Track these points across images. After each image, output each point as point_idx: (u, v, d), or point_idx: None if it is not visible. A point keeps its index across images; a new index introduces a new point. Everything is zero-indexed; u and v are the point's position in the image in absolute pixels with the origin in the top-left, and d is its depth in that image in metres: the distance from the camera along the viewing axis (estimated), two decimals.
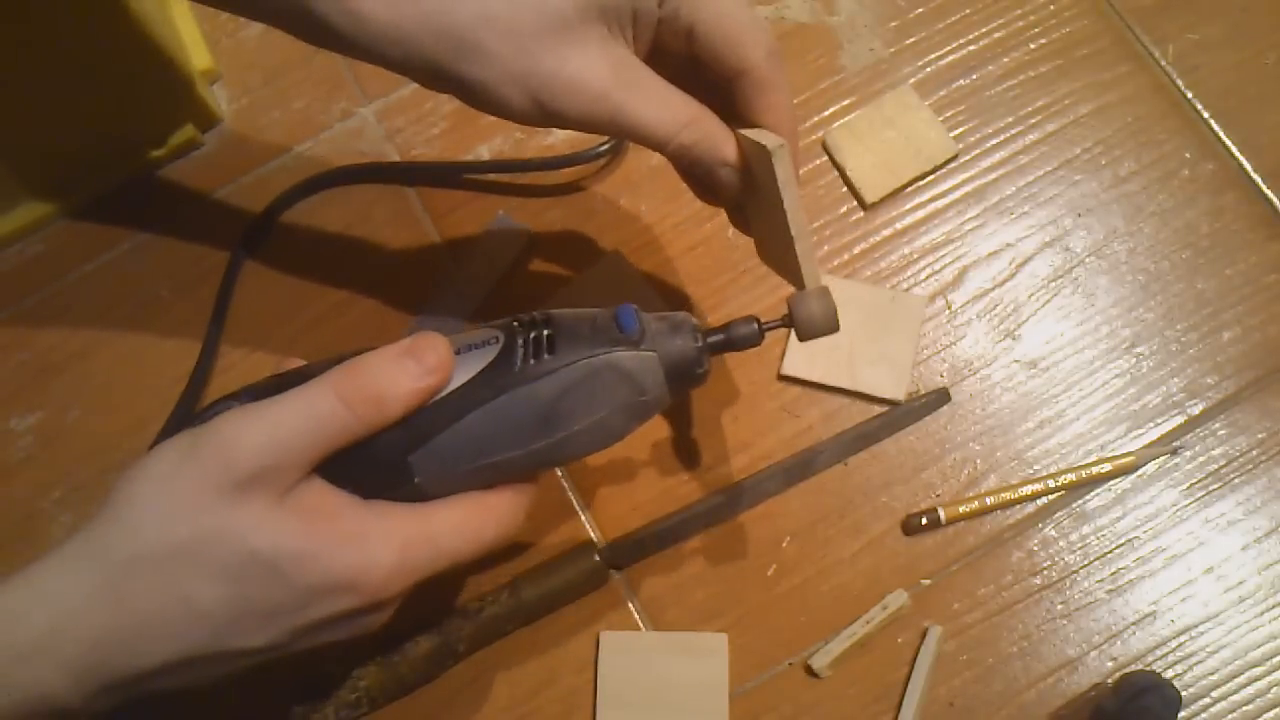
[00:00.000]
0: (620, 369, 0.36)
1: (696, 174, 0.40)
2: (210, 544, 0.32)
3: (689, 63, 0.39)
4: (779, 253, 0.41)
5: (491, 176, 0.56)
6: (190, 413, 0.52)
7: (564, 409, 0.36)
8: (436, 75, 0.36)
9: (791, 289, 0.39)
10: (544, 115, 0.37)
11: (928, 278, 0.54)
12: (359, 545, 0.34)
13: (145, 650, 0.33)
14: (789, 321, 0.38)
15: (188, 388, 0.52)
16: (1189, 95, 0.56)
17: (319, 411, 0.34)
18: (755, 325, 0.38)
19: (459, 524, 0.36)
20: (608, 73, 0.36)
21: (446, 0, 0.35)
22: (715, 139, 0.38)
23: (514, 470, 0.37)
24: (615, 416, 0.37)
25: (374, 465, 0.36)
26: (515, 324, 0.37)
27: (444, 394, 0.35)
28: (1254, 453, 0.51)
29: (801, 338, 0.39)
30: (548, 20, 0.35)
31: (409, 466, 0.36)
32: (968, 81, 0.57)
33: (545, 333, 0.36)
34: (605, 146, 0.55)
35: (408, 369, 0.35)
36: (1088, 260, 0.54)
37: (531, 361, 0.36)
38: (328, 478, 0.35)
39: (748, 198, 0.41)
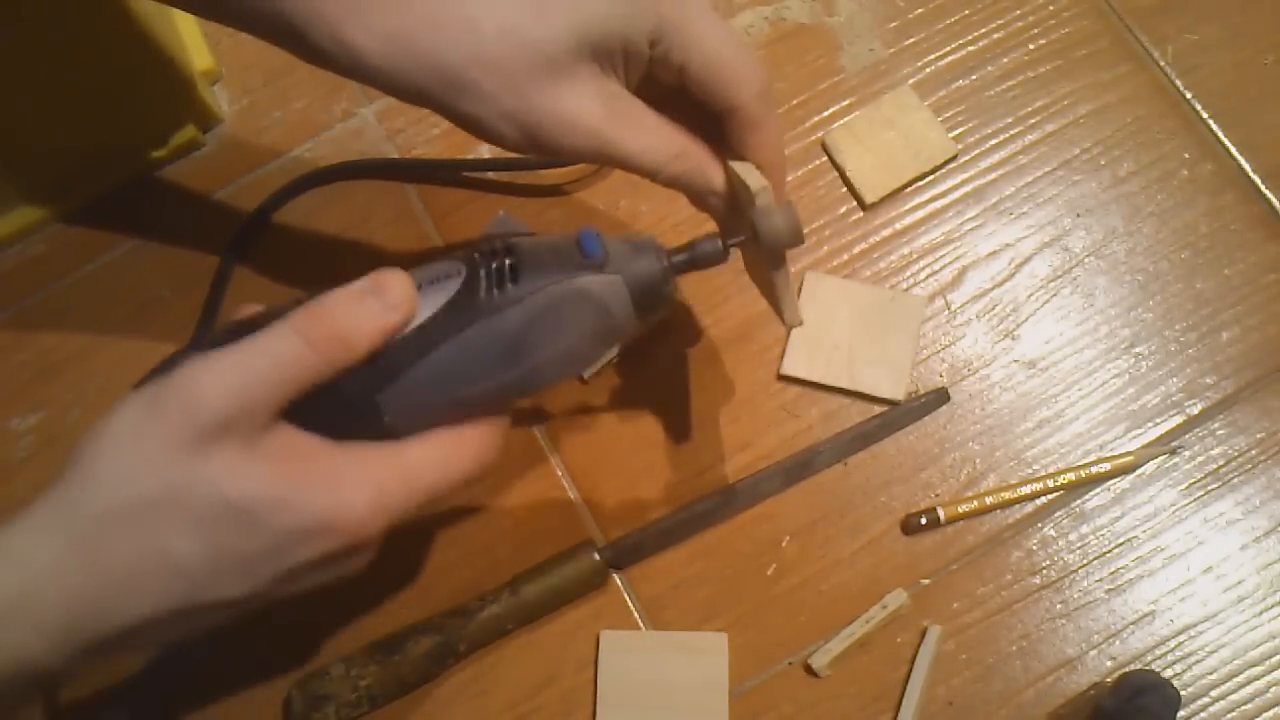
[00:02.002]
0: (586, 294, 0.36)
1: (688, 196, 0.41)
2: (182, 496, 0.32)
3: (680, 92, 0.39)
4: (760, 275, 0.41)
5: (491, 176, 0.56)
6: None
7: (531, 338, 0.35)
8: (430, 105, 0.37)
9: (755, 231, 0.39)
10: (537, 148, 0.37)
11: (927, 278, 0.54)
12: (333, 486, 0.34)
13: (122, 608, 0.32)
14: (753, 234, 0.38)
15: None
16: (1188, 96, 0.57)
17: (283, 354, 0.33)
18: (719, 242, 0.38)
19: (433, 458, 0.36)
20: (599, 110, 0.37)
21: (439, 38, 0.35)
22: (703, 171, 0.40)
23: (485, 403, 0.37)
24: (583, 342, 0.37)
25: (342, 407, 0.35)
26: (476, 255, 0.36)
27: (409, 330, 0.35)
28: (1253, 452, 0.51)
29: (764, 248, 0.38)
30: (539, 61, 0.35)
31: (377, 406, 0.35)
32: (967, 82, 0.57)
33: (508, 261, 0.36)
34: None
35: (370, 306, 0.34)
36: (1087, 260, 0.54)
37: (495, 292, 0.35)
38: (297, 423, 0.35)
39: (736, 216, 0.42)
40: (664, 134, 0.39)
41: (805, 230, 0.54)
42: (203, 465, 0.32)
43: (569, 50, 0.36)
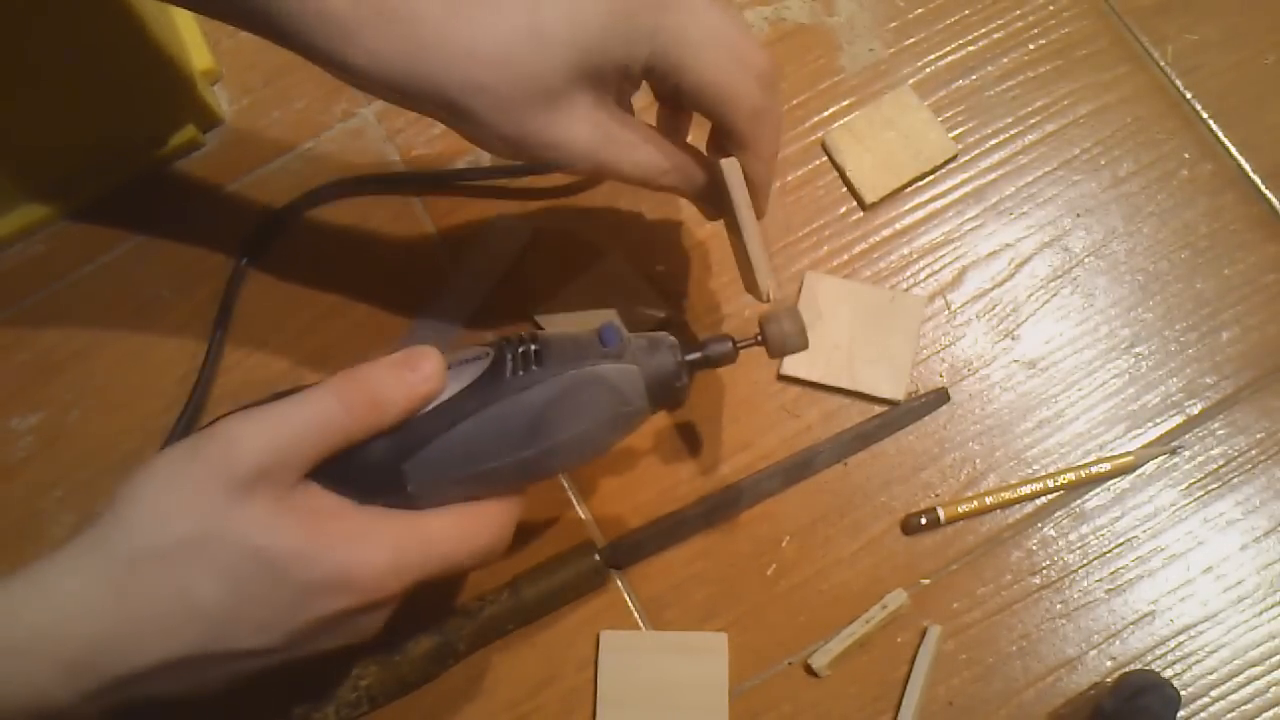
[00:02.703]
0: (604, 381, 0.38)
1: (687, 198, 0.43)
2: (212, 540, 0.33)
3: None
4: (737, 246, 0.44)
5: (494, 180, 0.56)
6: (194, 416, 0.52)
7: (551, 418, 0.38)
8: (429, 116, 0.38)
9: (763, 307, 0.42)
10: (535, 163, 0.39)
11: (927, 278, 0.54)
12: (355, 544, 0.35)
13: (141, 648, 0.33)
14: (761, 339, 0.41)
15: (194, 391, 0.52)
16: (1188, 96, 0.57)
17: (319, 413, 0.35)
18: (730, 343, 0.41)
19: (451, 529, 0.37)
20: (593, 133, 0.38)
21: (435, 65, 0.36)
22: (694, 182, 0.42)
23: (503, 481, 0.39)
24: (600, 427, 0.39)
25: (369, 473, 0.37)
26: (504, 340, 0.39)
27: (437, 404, 0.37)
28: (1253, 452, 0.51)
29: (772, 355, 0.41)
30: (535, 89, 0.36)
31: (402, 474, 0.37)
32: (967, 82, 0.57)
33: (533, 347, 0.38)
34: None
35: (404, 376, 0.36)
36: (1087, 260, 0.54)
37: (520, 373, 0.37)
38: (325, 482, 0.36)
39: (729, 221, 0.44)
40: (655, 151, 0.40)
41: (805, 230, 0.55)
42: (234, 513, 0.33)
43: (565, 78, 0.37)
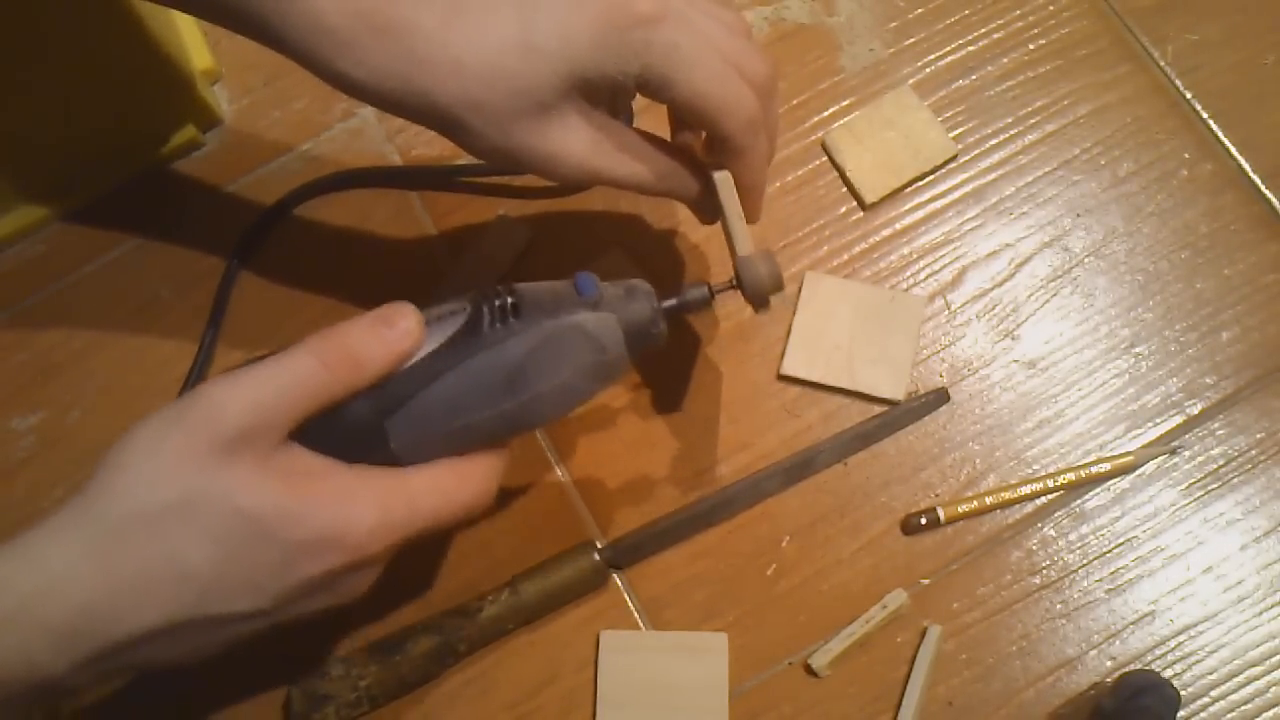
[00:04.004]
0: (581, 329, 0.38)
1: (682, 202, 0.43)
2: (198, 503, 0.33)
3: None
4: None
5: (492, 177, 0.57)
6: None
7: (530, 369, 0.38)
8: (427, 127, 0.39)
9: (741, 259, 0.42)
10: (528, 173, 0.40)
11: (927, 278, 0.54)
12: (341, 502, 0.35)
13: (131, 614, 0.33)
14: (737, 283, 0.41)
15: (184, 388, 0.52)
16: (1188, 96, 0.57)
17: (299, 372, 0.35)
18: (706, 288, 0.42)
19: (435, 484, 0.38)
20: (584, 144, 0.39)
21: (427, 79, 0.36)
22: (687, 190, 0.42)
23: (485, 434, 0.39)
24: (578, 376, 0.39)
25: (352, 431, 0.37)
26: (480, 294, 0.39)
27: (416, 359, 0.37)
28: (1253, 452, 0.51)
29: (748, 298, 0.41)
30: (525, 102, 0.37)
31: (385, 432, 0.37)
32: (967, 82, 0.57)
33: (509, 300, 0.38)
34: None
35: (381, 333, 0.36)
36: (1087, 260, 0.54)
37: (498, 326, 0.38)
38: (309, 444, 0.36)
39: (712, 207, 0.44)
40: (648, 160, 0.41)
41: (805, 230, 0.55)
42: (219, 475, 0.33)
43: (555, 91, 0.37)
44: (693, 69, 0.38)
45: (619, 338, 0.39)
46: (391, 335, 0.36)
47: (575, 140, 0.38)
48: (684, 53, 0.37)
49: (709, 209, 0.43)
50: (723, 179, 0.41)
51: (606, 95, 0.39)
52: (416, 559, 0.50)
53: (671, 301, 0.41)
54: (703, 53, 0.38)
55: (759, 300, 0.41)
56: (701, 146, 0.43)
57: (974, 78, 0.57)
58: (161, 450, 0.33)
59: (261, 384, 0.34)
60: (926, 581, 0.50)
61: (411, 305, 0.38)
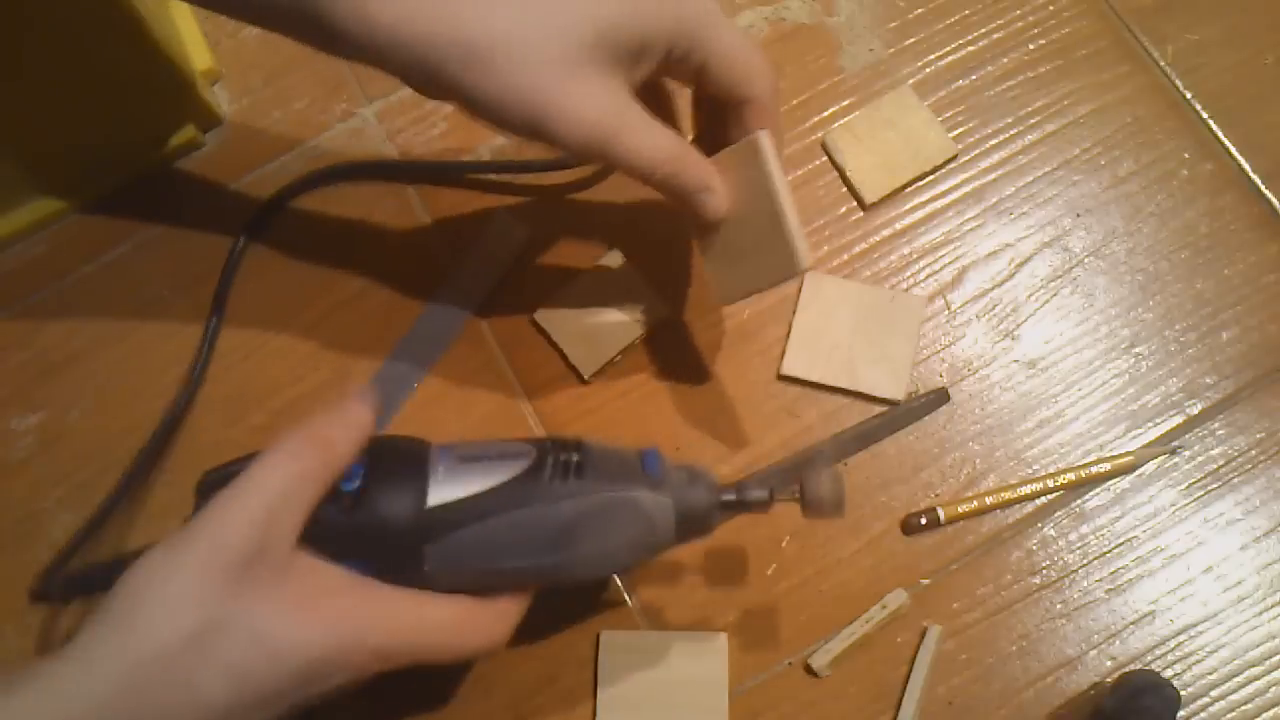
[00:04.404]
0: (638, 507, 0.39)
1: (679, 200, 0.43)
2: (215, 634, 0.33)
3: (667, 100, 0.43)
4: (752, 260, 0.44)
5: (492, 176, 0.56)
6: (181, 415, 0.52)
7: (578, 532, 0.38)
8: (439, 82, 0.38)
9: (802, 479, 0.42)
10: (537, 135, 0.39)
11: (927, 278, 0.54)
12: (353, 625, 0.36)
13: None
14: (798, 495, 0.41)
15: (186, 383, 0.53)
16: (1188, 95, 0.57)
17: (285, 478, 0.35)
18: (768, 494, 0.41)
19: (448, 624, 0.38)
20: (604, 108, 0.39)
21: (462, 14, 0.36)
22: (698, 170, 0.42)
23: (517, 580, 0.40)
24: (622, 550, 0.39)
25: (392, 547, 0.38)
26: (549, 443, 0.40)
27: (472, 494, 0.38)
28: (1253, 452, 0.51)
29: (806, 514, 0.41)
30: (555, 49, 0.37)
31: (422, 554, 0.38)
32: (967, 82, 0.57)
33: (575, 458, 0.39)
34: None
35: (343, 409, 0.38)
36: (1087, 260, 0.54)
37: (558, 482, 0.38)
38: (345, 550, 0.37)
39: (722, 224, 0.44)
40: (660, 139, 0.41)
41: (805, 230, 0.55)
42: (235, 603, 0.34)
43: (585, 44, 0.37)
44: (722, 30, 0.39)
45: (671, 521, 0.40)
46: (351, 412, 0.38)
47: (595, 100, 0.38)
48: (715, 16, 0.39)
49: (710, 209, 0.43)
50: (764, 137, 0.41)
51: (630, 61, 0.39)
52: None
53: (730, 498, 0.41)
54: (724, 15, 0.39)
55: (815, 518, 0.41)
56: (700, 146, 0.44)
57: (974, 78, 0.57)
58: (176, 581, 0.34)
59: (256, 503, 0.35)
60: (926, 581, 0.50)
61: (369, 386, 0.39)
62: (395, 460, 0.39)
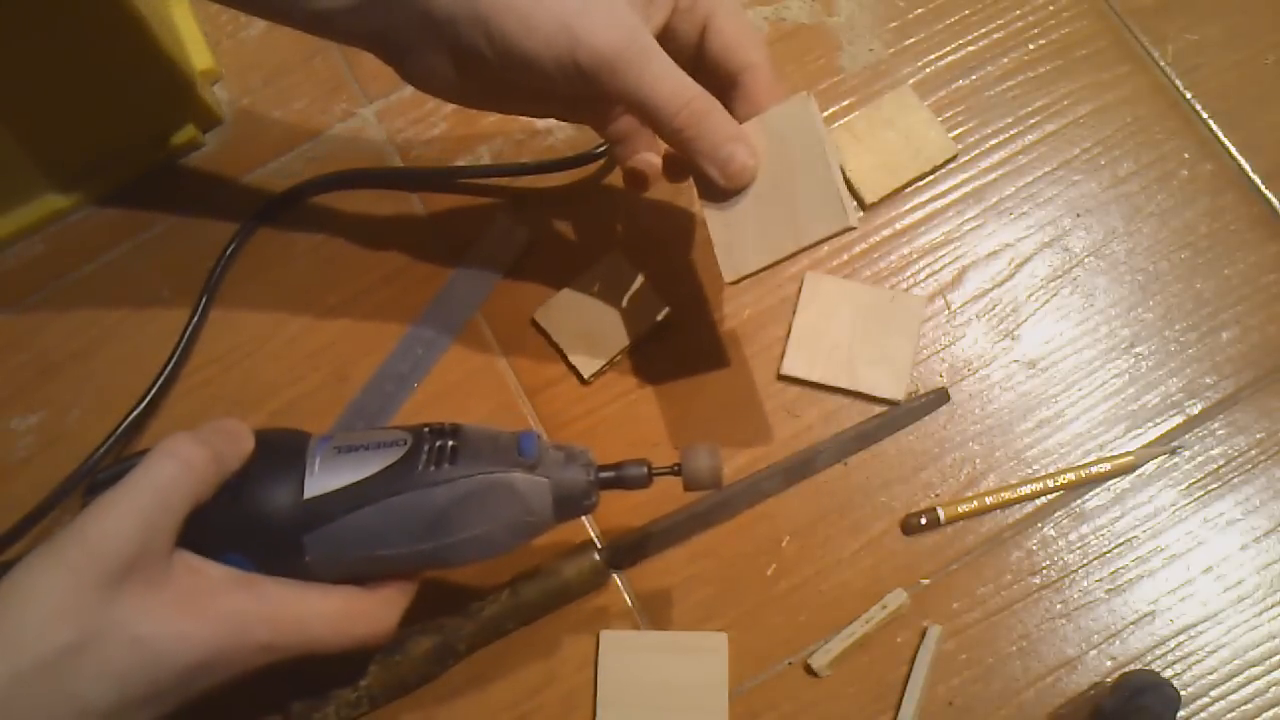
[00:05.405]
0: (512, 489, 0.39)
1: (700, 153, 0.41)
2: (93, 641, 0.33)
3: (690, 61, 0.42)
4: (782, 223, 0.42)
5: (492, 180, 0.57)
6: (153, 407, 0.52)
7: (454, 516, 0.39)
8: (461, 25, 0.38)
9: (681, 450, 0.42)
10: (558, 63, 0.38)
11: (927, 278, 0.54)
12: (236, 623, 0.36)
13: None
14: (677, 470, 0.41)
15: (166, 376, 0.53)
16: (1188, 96, 0.57)
17: (165, 481, 0.35)
18: (645, 469, 0.42)
19: (332, 615, 0.38)
20: (631, 28, 0.39)
21: None
22: (726, 121, 0.41)
23: (397, 566, 0.40)
24: (500, 531, 0.40)
25: (272, 538, 0.38)
26: (425, 429, 0.40)
27: (348, 483, 0.38)
28: (1253, 452, 0.51)
29: (686, 488, 0.42)
30: None
31: (302, 545, 0.38)
32: (967, 82, 0.57)
33: (450, 443, 0.39)
34: (604, 148, 0.55)
35: (226, 421, 0.39)
36: (1087, 260, 0.54)
37: (432, 468, 0.38)
38: (225, 542, 0.37)
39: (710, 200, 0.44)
40: (687, 79, 0.40)
41: None
42: (110, 610, 0.34)
43: None
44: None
45: (548, 502, 0.40)
46: (234, 424, 0.39)
47: (619, 18, 0.38)
48: None
49: (738, 162, 0.42)
50: (806, 97, 0.42)
51: (648, 3, 0.40)
52: None
53: (609, 474, 0.41)
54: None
55: (694, 490, 0.42)
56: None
57: (974, 78, 0.57)
58: (51, 593, 0.33)
59: (132, 509, 0.34)
60: (926, 581, 0.50)
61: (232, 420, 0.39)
62: (273, 453, 0.39)
